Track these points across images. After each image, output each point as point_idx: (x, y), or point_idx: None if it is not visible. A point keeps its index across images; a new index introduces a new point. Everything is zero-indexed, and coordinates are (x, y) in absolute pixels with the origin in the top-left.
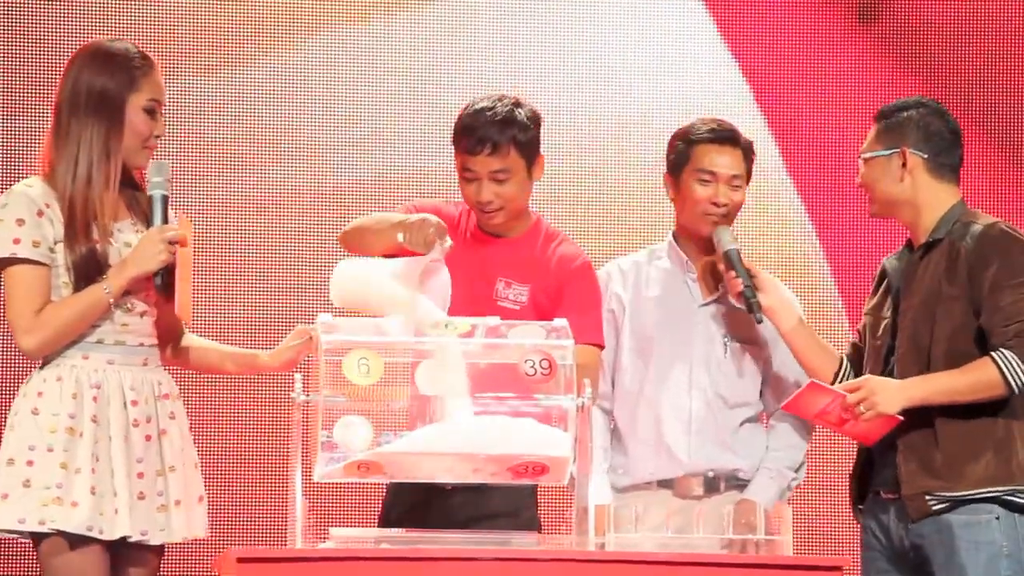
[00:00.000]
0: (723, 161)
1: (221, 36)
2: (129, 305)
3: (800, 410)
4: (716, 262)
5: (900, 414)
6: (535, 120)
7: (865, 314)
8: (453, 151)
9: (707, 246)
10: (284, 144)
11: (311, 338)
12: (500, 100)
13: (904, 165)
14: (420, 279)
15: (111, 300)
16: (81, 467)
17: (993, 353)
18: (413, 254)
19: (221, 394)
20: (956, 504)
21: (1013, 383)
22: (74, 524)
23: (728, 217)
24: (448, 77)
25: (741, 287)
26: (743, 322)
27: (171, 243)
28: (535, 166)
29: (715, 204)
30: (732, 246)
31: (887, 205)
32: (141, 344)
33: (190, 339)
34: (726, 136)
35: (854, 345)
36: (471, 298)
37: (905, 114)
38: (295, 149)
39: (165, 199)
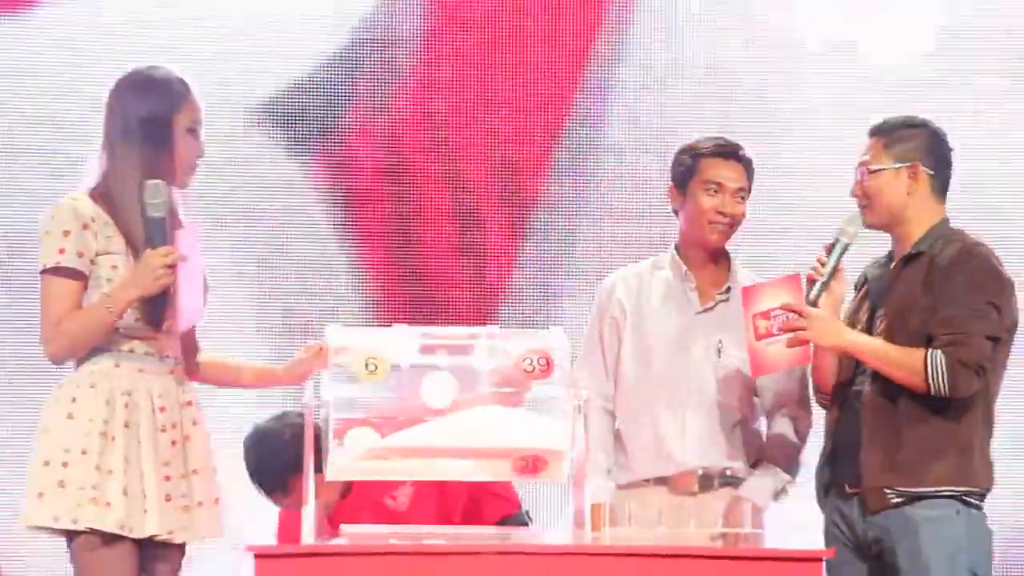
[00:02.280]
0: (729, 174)
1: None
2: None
3: (754, 299)
4: (724, 267)
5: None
6: None
7: (845, 318)
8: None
9: (710, 256)
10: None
11: (322, 351)
12: None
13: (913, 179)
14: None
15: (114, 318)
16: (114, 469)
17: (929, 351)
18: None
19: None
20: (915, 499)
21: (932, 384)
22: (108, 523)
23: (732, 228)
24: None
25: (820, 274)
26: (737, 328)
27: (169, 266)
28: None
29: (721, 214)
30: (846, 239)
31: (888, 217)
32: (167, 355)
33: (205, 355)
34: (731, 151)
35: None
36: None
37: (915, 130)
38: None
39: (163, 221)
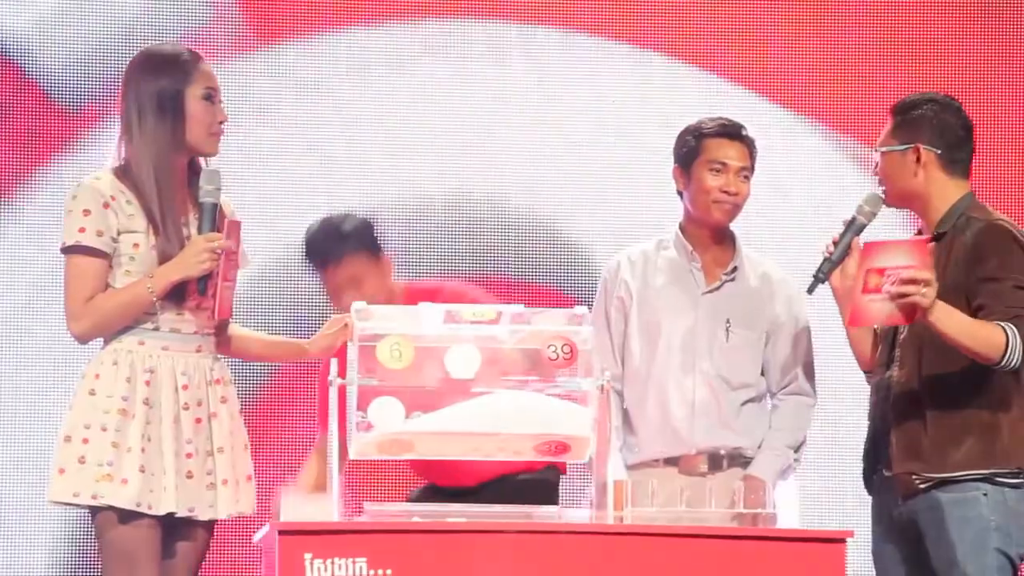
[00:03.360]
0: (732, 153)
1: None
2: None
3: (876, 253)
4: (727, 248)
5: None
6: None
7: None
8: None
9: (715, 235)
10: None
11: (346, 326)
12: None
13: (918, 160)
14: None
15: (154, 299)
16: (132, 446)
17: (1002, 323)
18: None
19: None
20: (942, 483)
21: (1010, 353)
22: (124, 500)
23: (737, 207)
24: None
25: (831, 253)
26: (744, 308)
27: (216, 252)
28: None
29: (726, 192)
30: (863, 218)
31: (901, 197)
32: (196, 332)
33: (234, 329)
34: (735, 131)
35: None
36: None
37: (919, 111)
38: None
39: (215, 207)
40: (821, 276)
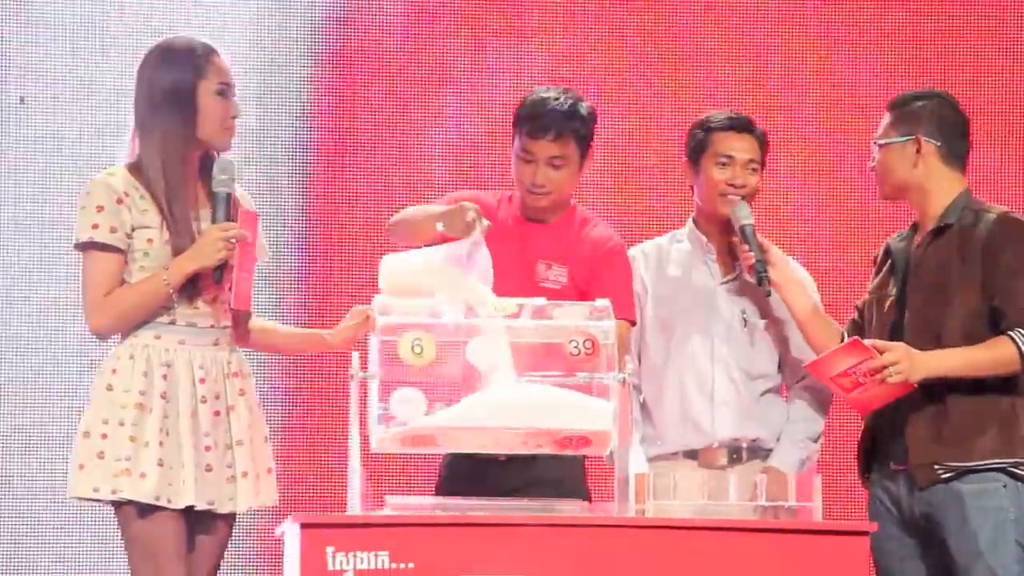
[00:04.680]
0: (740, 146)
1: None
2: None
3: (823, 369)
4: (733, 238)
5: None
6: (593, 117)
7: (870, 292)
8: (512, 133)
9: (726, 227)
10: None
11: (368, 318)
12: (565, 92)
13: (918, 151)
14: (464, 261)
15: (170, 291)
16: (150, 441)
17: (1011, 332)
18: (453, 242)
19: (289, 371)
20: (963, 473)
21: None
22: (143, 493)
23: (745, 199)
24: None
25: (753, 260)
26: (761, 298)
27: (230, 241)
28: (586, 159)
29: (733, 186)
30: (747, 221)
31: (898, 189)
32: (212, 326)
33: (255, 321)
34: (742, 124)
35: (853, 321)
36: (514, 279)
37: (920, 103)
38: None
39: (228, 196)
40: (764, 276)
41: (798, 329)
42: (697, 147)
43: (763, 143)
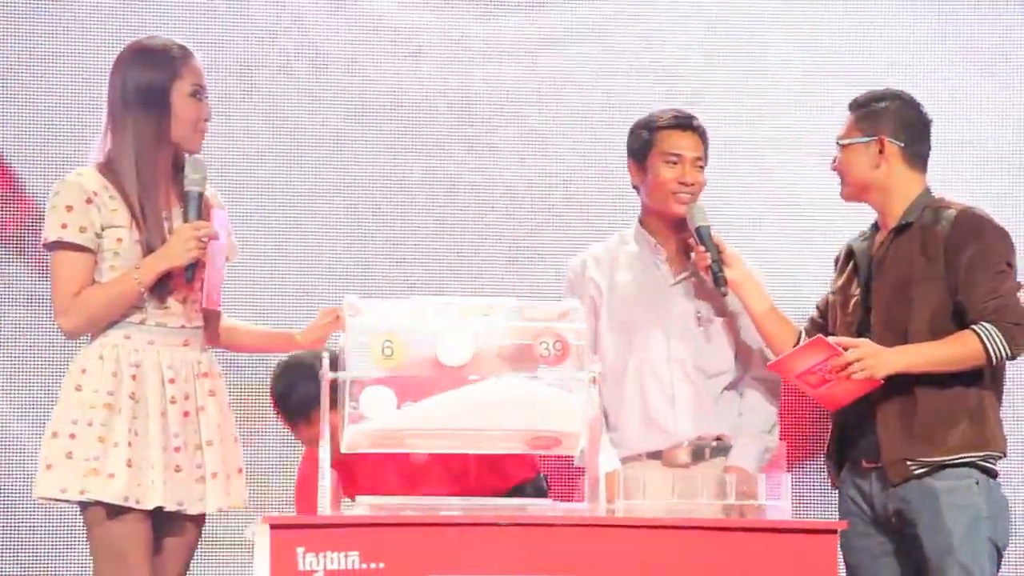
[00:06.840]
0: (686, 144)
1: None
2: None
3: (788, 367)
4: (688, 239)
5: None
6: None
7: (832, 292)
8: (643, 147)
9: (675, 226)
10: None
11: (338, 318)
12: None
13: (881, 152)
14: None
15: (141, 289)
16: (119, 441)
17: (975, 327)
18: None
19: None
20: (936, 469)
21: (993, 354)
22: (111, 494)
23: (694, 196)
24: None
25: (709, 261)
26: (713, 296)
27: (202, 239)
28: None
29: (683, 184)
30: (703, 223)
31: (860, 189)
32: (183, 326)
33: (225, 320)
34: (687, 122)
35: (812, 320)
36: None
37: (883, 104)
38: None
39: (200, 196)
40: (721, 276)
41: (754, 326)
42: (643, 147)
43: (705, 139)
